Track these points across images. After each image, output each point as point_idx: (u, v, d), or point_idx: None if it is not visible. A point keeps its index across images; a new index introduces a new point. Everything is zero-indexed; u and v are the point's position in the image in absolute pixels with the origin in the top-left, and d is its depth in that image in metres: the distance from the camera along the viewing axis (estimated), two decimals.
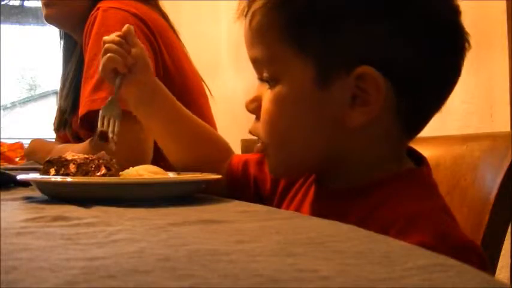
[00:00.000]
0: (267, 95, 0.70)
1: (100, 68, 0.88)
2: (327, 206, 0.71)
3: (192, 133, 0.93)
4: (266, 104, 0.70)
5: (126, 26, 0.89)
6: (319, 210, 0.72)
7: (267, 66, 0.69)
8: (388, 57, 0.65)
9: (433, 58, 0.67)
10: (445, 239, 0.60)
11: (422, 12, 0.66)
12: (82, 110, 1.21)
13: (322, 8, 0.65)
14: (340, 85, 0.65)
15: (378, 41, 0.65)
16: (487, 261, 0.64)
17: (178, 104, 0.92)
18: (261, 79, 0.72)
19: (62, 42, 1.55)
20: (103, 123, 0.86)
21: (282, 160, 0.72)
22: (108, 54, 0.86)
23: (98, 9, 1.27)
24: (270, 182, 0.85)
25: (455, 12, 0.68)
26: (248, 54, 0.72)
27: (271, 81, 0.69)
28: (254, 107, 0.73)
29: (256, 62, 0.71)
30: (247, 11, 0.70)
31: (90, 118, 1.21)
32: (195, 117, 0.94)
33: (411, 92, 0.67)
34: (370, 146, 0.69)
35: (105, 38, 0.88)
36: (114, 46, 0.86)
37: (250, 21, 0.69)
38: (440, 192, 0.70)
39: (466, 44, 0.69)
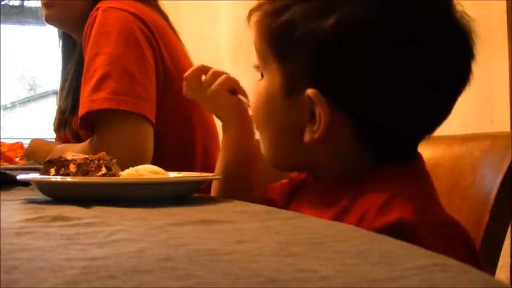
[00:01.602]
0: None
1: (214, 86, 0.92)
2: (318, 197, 0.73)
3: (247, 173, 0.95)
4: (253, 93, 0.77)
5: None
6: (311, 202, 0.74)
7: (258, 59, 0.75)
8: (338, 88, 0.67)
9: (397, 97, 0.66)
10: (425, 216, 0.61)
11: (389, 47, 0.65)
12: (82, 111, 1.21)
13: (290, 30, 0.68)
14: (301, 101, 0.69)
15: (333, 70, 0.67)
16: (470, 240, 0.64)
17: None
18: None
19: (61, 42, 1.55)
20: None
21: (263, 150, 0.77)
22: (226, 75, 0.92)
23: (98, 9, 1.27)
24: (280, 194, 0.86)
25: (444, 44, 0.67)
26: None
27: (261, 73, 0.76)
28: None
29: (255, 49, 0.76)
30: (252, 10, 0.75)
31: (90, 118, 1.21)
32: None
33: (369, 124, 0.67)
34: (327, 160, 0.71)
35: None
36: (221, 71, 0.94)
37: (249, 16, 0.74)
38: (430, 184, 0.70)
39: (458, 85, 0.69)
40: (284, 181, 0.87)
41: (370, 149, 0.69)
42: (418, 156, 0.72)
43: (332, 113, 0.67)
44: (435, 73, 0.67)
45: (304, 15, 0.68)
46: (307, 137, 0.69)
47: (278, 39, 0.70)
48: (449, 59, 0.68)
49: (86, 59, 1.24)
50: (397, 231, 0.55)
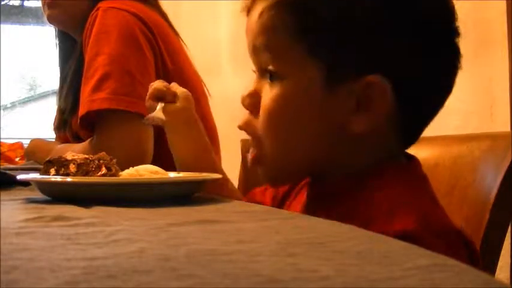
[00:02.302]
0: (268, 92, 0.69)
1: (147, 97, 0.92)
2: (317, 201, 0.72)
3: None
4: (268, 102, 0.69)
5: (173, 83, 0.96)
6: (309, 206, 0.73)
7: (273, 62, 0.69)
8: (397, 70, 0.66)
9: (439, 76, 0.69)
10: (427, 223, 0.61)
11: (435, 32, 0.68)
12: (82, 111, 1.21)
13: (339, 17, 0.65)
14: (348, 91, 0.66)
15: (391, 53, 0.66)
16: (473, 247, 0.65)
17: (209, 144, 0.96)
18: (263, 70, 0.71)
19: (59, 42, 1.55)
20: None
21: (278, 161, 0.71)
22: (155, 86, 0.92)
23: (98, 9, 1.27)
24: (270, 199, 0.85)
25: (457, 33, 0.70)
26: (252, 42, 0.71)
27: (275, 76, 0.69)
28: (251, 102, 0.72)
29: (259, 51, 0.70)
30: (253, 4, 0.70)
31: (90, 118, 1.21)
32: (216, 161, 0.96)
33: (413, 107, 0.68)
34: (366, 153, 0.69)
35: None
36: (159, 82, 0.93)
37: (260, 15, 0.69)
38: (429, 185, 0.70)
39: (458, 64, 0.70)
40: None
41: (401, 142, 0.70)
42: (415, 158, 0.73)
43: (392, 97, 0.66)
44: (450, 58, 0.70)
45: None
46: (357, 127, 0.66)
47: (318, 32, 0.66)
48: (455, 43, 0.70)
49: (86, 59, 1.24)
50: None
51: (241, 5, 0.72)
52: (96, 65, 1.21)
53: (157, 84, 0.92)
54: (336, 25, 0.65)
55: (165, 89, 0.91)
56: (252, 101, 0.72)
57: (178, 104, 0.91)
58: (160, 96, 0.91)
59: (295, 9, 0.67)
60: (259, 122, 0.71)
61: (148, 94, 0.93)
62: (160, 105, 0.91)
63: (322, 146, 0.69)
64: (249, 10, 0.71)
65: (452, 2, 0.70)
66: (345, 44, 0.65)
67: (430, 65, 0.68)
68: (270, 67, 0.69)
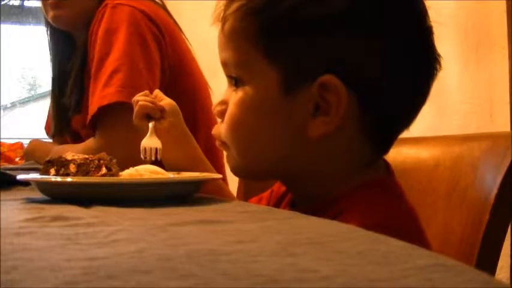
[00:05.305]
0: (232, 98, 0.71)
1: (133, 115, 0.91)
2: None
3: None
4: (230, 107, 0.71)
5: (156, 90, 0.95)
6: None
7: (235, 69, 0.71)
8: (353, 70, 0.66)
9: (402, 77, 0.68)
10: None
11: (393, 29, 0.67)
12: (93, 108, 1.21)
13: (291, 18, 0.66)
14: (304, 94, 0.66)
15: (345, 53, 0.66)
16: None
17: (203, 156, 0.95)
18: (229, 77, 0.73)
19: (52, 40, 1.54)
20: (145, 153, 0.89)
21: (241, 162, 0.73)
22: (140, 102, 0.90)
23: (106, 5, 1.27)
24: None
25: (428, 31, 0.69)
26: (219, 57, 0.73)
27: (238, 83, 0.71)
28: (220, 109, 0.74)
29: (225, 65, 0.72)
30: (222, 16, 0.71)
31: (98, 117, 1.22)
32: (210, 166, 0.96)
33: (376, 108, 0.67)
34: (331, 157, 0.69)
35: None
36: (144, 97, 0.91)
37: (223, 25, 0.71)
38: (404, 200, 0.70)
39: (438, 66, 0.69)
40: (265, 194, 0.86)
41: (368, 146, 0.69)
42: (390, 170, 0.72)
43: (348, 98, 0.65)
44: (422, 56, 0.69)
45: (302, 2, 0.66)
46: (315, 131, 0.67)
47: (271, 34, 0.67)
48: (429, 43, 0.70)
49: (96, 57, 1.25)
50: None
51: (214, 17, 0.73)
52: (105, 62, 1.22)
53: (143, 100, 0.91)
54: (289, 28, 0.66)
55: (151, 105, 0.90)
56: (222, 109, 0.74)
57: (167, 121, 0.90)
58: (147, 114, 0.90)
59: (251, 14, 0.68)
60: (223, 127, 0.73)
61: (135, 112, 0.91)
62: (151, 126, 0.89)
63: (284, 149, 0.70)
64: (220, 20, 0.72)
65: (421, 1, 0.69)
66: (300, 47, 0.66)
67: (393, 65, 0.67)
68: (233, 74, 0.71)
